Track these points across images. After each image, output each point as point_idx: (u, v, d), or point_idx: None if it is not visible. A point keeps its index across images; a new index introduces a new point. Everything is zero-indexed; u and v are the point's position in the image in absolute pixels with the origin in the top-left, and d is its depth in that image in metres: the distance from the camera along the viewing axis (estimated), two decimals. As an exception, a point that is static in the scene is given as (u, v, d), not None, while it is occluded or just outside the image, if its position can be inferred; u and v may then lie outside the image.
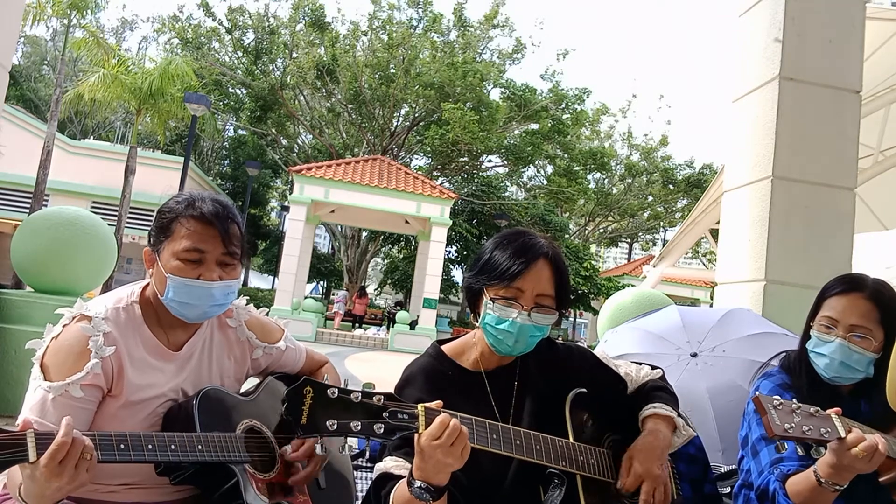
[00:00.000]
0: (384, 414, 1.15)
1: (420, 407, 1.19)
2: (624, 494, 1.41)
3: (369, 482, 1.76)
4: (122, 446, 1.23)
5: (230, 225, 1.47)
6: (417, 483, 1.21)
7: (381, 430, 1.14)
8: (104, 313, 1.43)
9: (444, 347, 1.57)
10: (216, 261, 1.45)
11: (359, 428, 1.13)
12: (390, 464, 1.37)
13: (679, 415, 1.56)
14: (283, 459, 1.54)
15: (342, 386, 1.16)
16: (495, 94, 26.75)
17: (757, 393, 1.38)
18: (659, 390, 1.61)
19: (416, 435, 1.18)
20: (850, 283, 1.71)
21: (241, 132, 29.98)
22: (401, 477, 1.32)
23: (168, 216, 1.47)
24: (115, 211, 16.78)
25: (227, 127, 30.56)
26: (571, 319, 32.80)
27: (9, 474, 1.23)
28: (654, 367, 1.71)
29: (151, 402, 1.45)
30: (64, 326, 1.41)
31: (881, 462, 1.36)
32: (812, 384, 1.73)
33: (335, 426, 1.12)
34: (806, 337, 1.77)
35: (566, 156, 28.39)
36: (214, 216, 1.45)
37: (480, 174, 28.48)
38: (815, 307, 1.78)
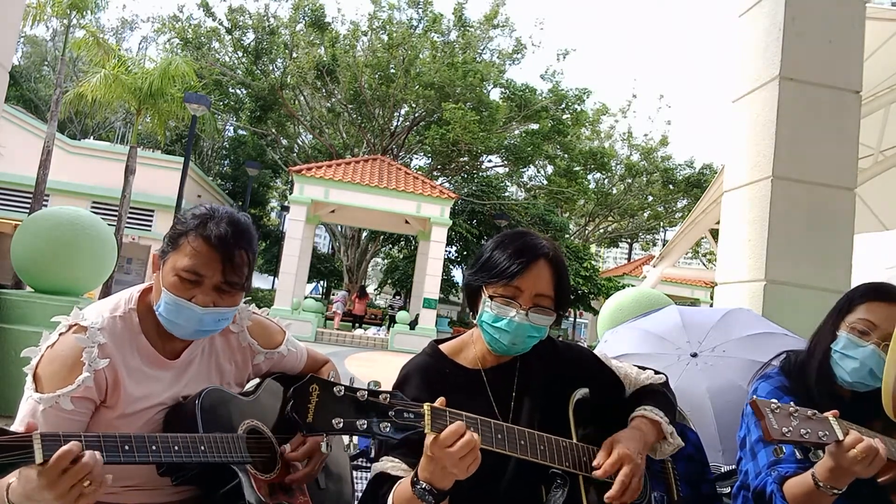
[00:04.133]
0: (390, 413, 1.15)
1: (426, 406, 1.18)
2: (600, 480, 1.39)
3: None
4: (127, 447, 1.23)
5: (237, 252, 1.43)
6: (421, 484, 1.21)
7: (388, 430, 1.14)
8: (100, 323, 1.41)
9: (442, 346, 1.58)
10: (213, 286, 1.42)
11: (364, 426, 1.12)
12: (387, 464, 1.37)
13: (671, 422, 1.53)
14: (283, 460, 1.54)
15: (347, 384, 1.16)
16: (495, 94, 26.76)
17: (754, 397, 1.37)
18: (656, 395, 1.59)
19: (425, 435, 1.18)
20: (894, 293, 1.67)
21: (241, 132, 29.95)
22: (397, 478, 1.32)
23: (180, 228, 1.44)
24: (115, 211, 16.77)
25: (227, 127, 30.55)
26: (571, 319, 32.81)
27: None
28: (657, 373, 1.68)
29: (149, 411, 1.44)
30: (60, 335, 1.39)
31: (881, 466, 1.35)
32: (819, 385, 1.70)
33: (341, 424, 1.11)
34: (831, 337, 1.73)
35: (566, 156, 28.37)
36: (221, 241, 1.40)
37: (480, 174, 28.46)
38: (844, 309, 1.73)
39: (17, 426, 1.27)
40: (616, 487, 1.33)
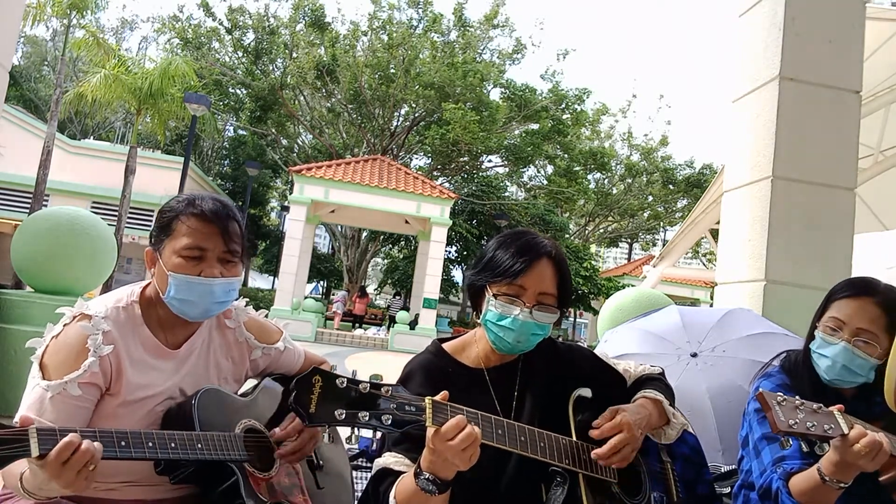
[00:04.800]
0: (392, 405, 1.16)
1: (427, 399, 1.19)
2: (597, 468, 1.40)
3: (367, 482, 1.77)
4: (123, 443, 1.24)
5: (230, 223, 1.48)
6: (425, 475, 1.22)
7: (389, 421, 1.14)
8: (104, 312, 1.44)
9: (445, 345, 1.58)
10: (217, 258, 1.47)
11: (367, 418, 1.13)
12: (390, 460, 1.37)
13: (672, 404, 1.58)
14: (282, 459, 1.54)
15: (350, 376, 1.17)
16: (495, 94, 26.77)
17: (761, 389, 1.38)
18: (653, 381, 1.64)
19: (427, 428, 1.19)
20: (861, 287, 1.69)
21: (241, 132, 29.97)
22: (400, 472, 1.33)
23: (169, 215, 1.49)
24: (115, 211, 16.78)
25: (227, 127, 30.56)
26: (571, 319, 32.83)
27: (5, 468, 1.23)
28: (652, 366, 1.72)
29: (150, 400, 1.45)
30: (64, 325, 1.42)
31: (885, 460, 1.36)
32: (814, 385, 1.72)
33: (343, 416, 1.12)
34: (811, 337, 1.76)
35: (566, 156, 28.38)
36: (214, 214, 1.47)
37: (480, 174, 28.48)
38: (822, 308, 1.76)
39: (24, 413, 1.28)
40: (607, 447, 1.36)
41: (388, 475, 1.35)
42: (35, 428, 1.12)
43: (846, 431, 1.33)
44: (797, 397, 1.37)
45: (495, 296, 1.44)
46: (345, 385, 1.13)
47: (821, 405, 1.36)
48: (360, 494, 1.78)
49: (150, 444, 1.27)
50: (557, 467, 1.38)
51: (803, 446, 1.37)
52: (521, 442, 1.33)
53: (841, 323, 1.68)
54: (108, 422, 1.39)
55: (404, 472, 1.32)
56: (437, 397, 1.21)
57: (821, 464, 1.42)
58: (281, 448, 1.52)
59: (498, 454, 1.33)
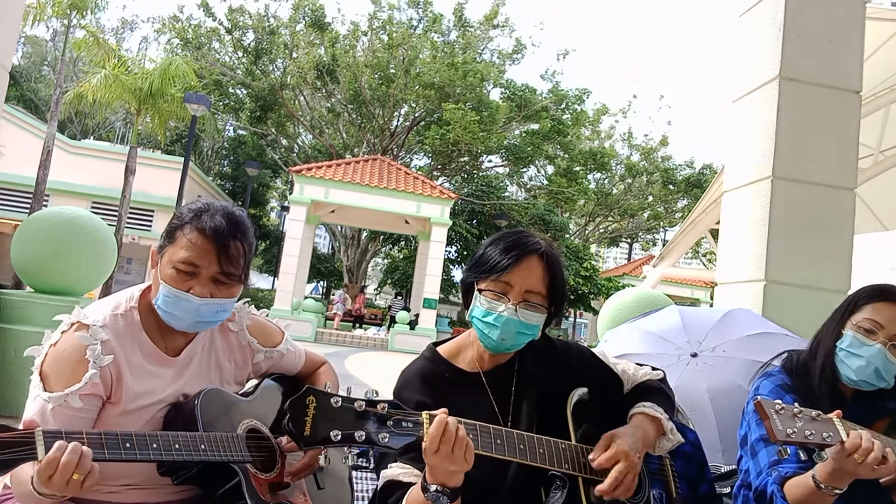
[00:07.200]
0: (389, 423, 1.13)
1: (424, 414, 1.17)
2: (596, 473, 1.37)
3: (368, 482, 1.76)
4: (128, 445, 1.24)
5: (232, 243, 1.44)
6: (433, 487, 1.20)
7: (386, 440, 1.12)
8: (102, 321, 1.42)
9: (440, 349, 1.57)
10: (210, 278, 1.43)
11: (363, 438, 1.10)
12: (398, 471, 1.35)
13: (671, 419, 1.53)
14: (283, 459, 1.54)
15: (345, 394, 1.14)
16: (495, 95, 26.78)
17: (758, 397, 1.37)
18: (655, 391, 1.59)
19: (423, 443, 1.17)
20: None
21: (241, 132, 29.97)
22: (408, 484, 1.31)
23: (176, 222, 1.47)
24: (115, 211, 16.78)
25: (227, 127, 30.55)
26: (571, 319, 32.81)
27: (14, 472, 1.23)
28: (654, 369, 1.68)
29: (151, 408, 1.45)
30: (62, 333, 1.40)
31: (890, 472, 1.35)
32: (822, 384, 1.71)
33: (339, 437, 1.09)
34: (835, 335, 1.73)
35: (566, 156, 28.38)
36: (215, 232, 1.42)
37: (480, 174, 28.47)
38: (849, 309, 1.74)
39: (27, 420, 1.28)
40: (608, 482, 1.32)
41: (397, 488, 1.33)
42: (41, 430, 1.12)
43: (845, 438, 1.33)
44: (795, 405, 1.36)
45: (481, 290, 1.43)
46: (339, 405, 1.11)
47: (819, 412, 1.35)
48: (359, 493, 1.77)
49: (155, 445, 1.27)
50: (557, 472, 1.37)
51: (801, 453, 1.36)
52: (521, 450, 1.31)
53: (878, 325, 1.66)
54: (111, 429, 1.38)
55: (412, 483, 1.30)
56: (437, 413, 1.19)
57: (815, 471, 1.41)
58: (291, 468, 1.52)
59: (499, 460, 1.31)
